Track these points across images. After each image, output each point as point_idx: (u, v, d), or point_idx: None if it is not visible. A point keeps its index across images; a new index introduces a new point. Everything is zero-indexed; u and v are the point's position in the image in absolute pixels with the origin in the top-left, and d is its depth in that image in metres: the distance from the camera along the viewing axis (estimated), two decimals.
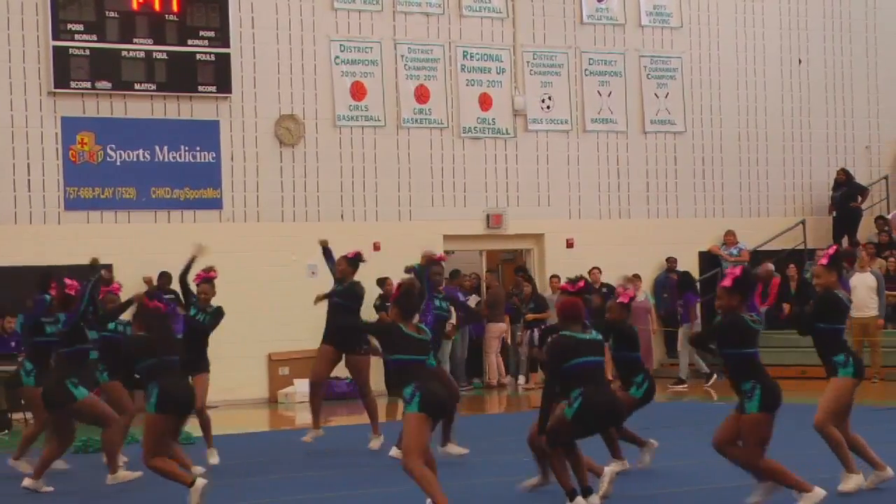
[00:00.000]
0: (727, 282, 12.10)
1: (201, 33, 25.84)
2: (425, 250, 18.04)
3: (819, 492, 12.13)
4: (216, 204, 26.12)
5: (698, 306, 27.27)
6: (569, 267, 27.76)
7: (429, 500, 11.81)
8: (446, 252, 27.83)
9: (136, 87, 25.35)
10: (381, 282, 26.39)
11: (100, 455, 16.47)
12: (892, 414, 20.94)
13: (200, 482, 13.03)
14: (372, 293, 26.24)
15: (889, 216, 31.43)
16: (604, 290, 27.81)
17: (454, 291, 25.92)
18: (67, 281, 15.91)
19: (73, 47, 24.77)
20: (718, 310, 12.22)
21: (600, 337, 12.69)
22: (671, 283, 28.26)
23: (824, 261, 13.43)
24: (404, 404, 11.76)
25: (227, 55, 26.04)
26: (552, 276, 28.00)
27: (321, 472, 16.30)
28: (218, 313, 17.16)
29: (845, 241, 30.77)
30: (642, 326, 28.76)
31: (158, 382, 13.18)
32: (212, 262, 23.91)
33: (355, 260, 18.26)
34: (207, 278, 17.17)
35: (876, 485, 13.22)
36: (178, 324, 17.44)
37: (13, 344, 23.66)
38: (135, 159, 25.49)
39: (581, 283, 13.89)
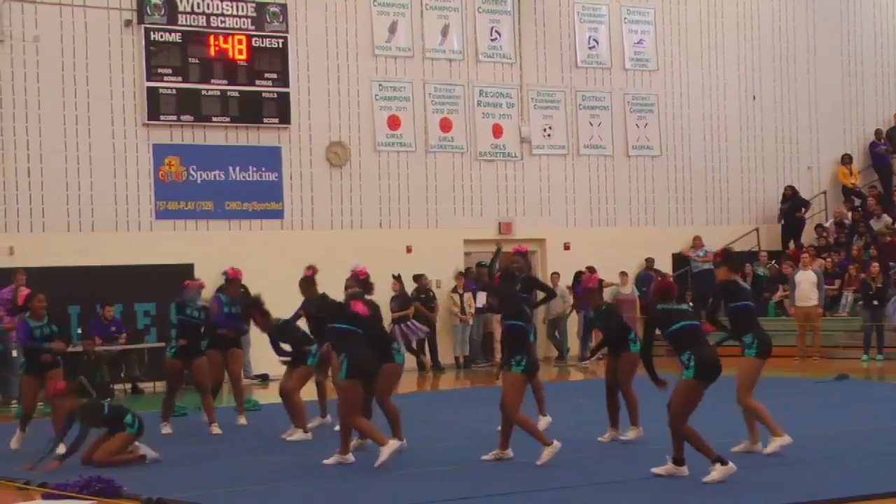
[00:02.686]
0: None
1: (266, 75, 25.81)
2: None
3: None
4: (278, 215, 26.12)
5: None
6: (565, 266, 28.09)
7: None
8: (466, 254, 28.17)
9: (214, 119, 25.34)
10: (418, 277, 26.67)
11: None
12: (830, 385, 21.03)
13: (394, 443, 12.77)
14: (409, 287, 26.48)
15: (827, 224, 31.49)
16: None
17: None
18: None
19: (162, 87, 24.81)
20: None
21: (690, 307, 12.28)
22: (650, 279, 28.36)
23: (718, 258, 13.17)
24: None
25: (287, 93, 26.04)
26: (553, 273, 28.09)
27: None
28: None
29: (792, 245, 30.92)
30: (629, 314, 28.95)
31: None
32: (275, 263, 24.48)
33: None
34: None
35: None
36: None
37: (113, 329, 23.91)
38: (212, 178, 25.46)
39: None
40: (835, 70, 33.14)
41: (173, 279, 24.05)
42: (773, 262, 29.65)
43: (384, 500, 11.31)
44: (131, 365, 23.86)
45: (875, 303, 25.86)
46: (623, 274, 28.48)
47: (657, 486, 11.30)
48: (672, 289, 11.94)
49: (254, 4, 25.75)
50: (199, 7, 25.23)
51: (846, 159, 32.77)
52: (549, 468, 12.52)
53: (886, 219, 30.00)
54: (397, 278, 24.10)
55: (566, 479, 11.88)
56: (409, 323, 22.99)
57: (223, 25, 25.47)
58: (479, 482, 11.81)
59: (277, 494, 11.76)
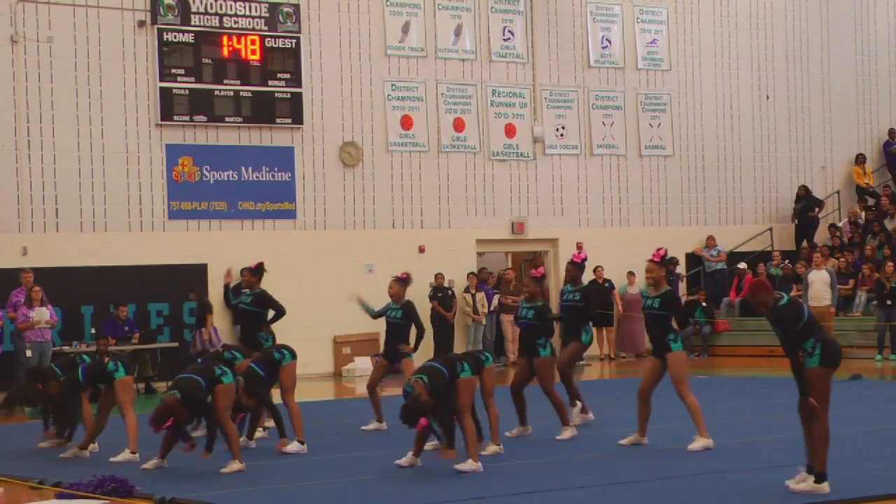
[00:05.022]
0: None
1: (279, 76, 25.89)
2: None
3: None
4: (291, 215, 26.18)
5: None
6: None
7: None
8: (478, 254, 28.16)
9: (227, 119, 25.42)
10: (436, 276, 26.71)
11: None
12: (843, 385, 20.93)
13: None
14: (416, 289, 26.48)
15: (840, 224, 31.45)
16: (606, 283, 28.01)
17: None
18: None
19: (175, 88, 24.90)
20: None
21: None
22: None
23: (656, 258, 13.63)
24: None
25: (300, 93, 26.11)
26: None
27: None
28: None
29: (805, 245, 30.85)
30: (637, 315, 28.90)
31: None
32: (288, 263, 24.56)
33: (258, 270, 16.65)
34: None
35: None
36: None
37: (126, 329, 23.95)
38: (225, 178, 25.53)
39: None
40: (849, 69, 33.09)
41: (186, 279, 24.24)
42: (787, 261, 29.61)
43: (398, 499, 11.30)
44: (144, 365, 23.89)
45: (889, 302, 25.81)
46: (631, 274, 28.38)
47: (669, 488, 11.27)
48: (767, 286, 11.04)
49: (266, 5, 25.80)
50: (212, 7, 25.28)
51: (860, 159, 32.73)
52: (561, 468, 12.52)
53: None
54: (196, 293, 23.77)
55: (579, 479, 11.86)
56: (209, 331, 23.50)
57: (236, 26, 25.52)
58: (492, 482, 11.79)
59: (287, 495, 11.76)
